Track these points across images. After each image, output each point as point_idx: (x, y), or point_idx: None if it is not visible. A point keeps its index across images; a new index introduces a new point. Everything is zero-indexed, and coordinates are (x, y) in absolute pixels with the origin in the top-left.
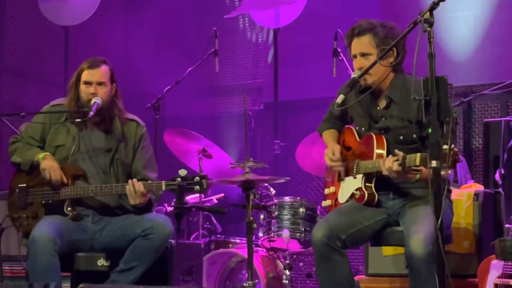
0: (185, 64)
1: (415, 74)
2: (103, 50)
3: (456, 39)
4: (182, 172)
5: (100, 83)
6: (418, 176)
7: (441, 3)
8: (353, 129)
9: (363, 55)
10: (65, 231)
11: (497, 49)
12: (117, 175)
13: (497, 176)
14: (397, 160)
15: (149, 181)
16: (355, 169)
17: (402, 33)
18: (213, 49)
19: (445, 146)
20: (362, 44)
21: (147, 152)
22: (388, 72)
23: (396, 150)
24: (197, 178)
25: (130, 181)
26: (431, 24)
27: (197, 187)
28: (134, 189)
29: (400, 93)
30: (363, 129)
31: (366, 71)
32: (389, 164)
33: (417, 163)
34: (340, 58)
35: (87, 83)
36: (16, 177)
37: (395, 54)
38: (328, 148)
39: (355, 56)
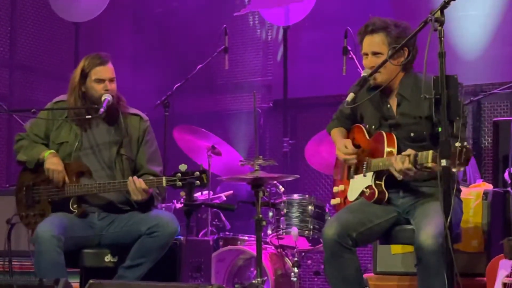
0: (194, 61)
1: (426, 73)
2: (113, 46)
3: (466, 38)
4: (183, 167)
5: (111, 79)
6: (426, 173)
7: (451, 2)
8: (363, 127)
9: (375, 53)
10: (70, 228)
11: (507, 48)
12: (123, 169)
13: (506, 175)
14: (408, 155)
15: (151, 177)
16: (365, 167)
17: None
18: (223, 47)
19: (457, 144)
20: (374, 42)
21: (151, 146)
22: (398, 71)
23: (409, 150)
24: (197, 173)
25: (130, 178)
26: (441, 23)
27: (198, 182)
28: (135, 185)
29: (411, 90)
30: (373, 127)
31: (376, 70)
32: (399, 165)
33: (429, 160)
34: (350, 56)
35: (100, 80)
36: (23, 175)
37: (406, 53)
38: (339, 143)
39: (366, 54)
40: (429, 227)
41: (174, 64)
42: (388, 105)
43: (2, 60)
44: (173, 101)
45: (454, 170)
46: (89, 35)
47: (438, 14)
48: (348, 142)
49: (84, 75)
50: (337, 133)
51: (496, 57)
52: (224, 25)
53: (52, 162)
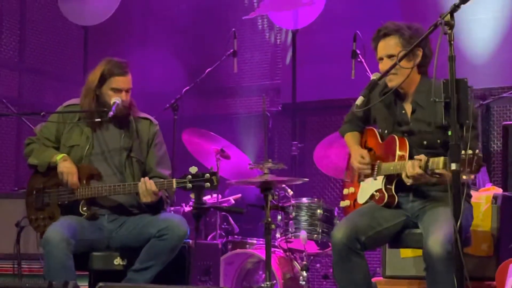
0: (203, 65)
1: (435, 76)
2: (122, 50)
3: (475, 42)
4: (193, 169)
5: (128, 90)
6: (435, 179)
7: (461, 6)
8: (376, 130)
9: (390, 56)
10: (80, 231)
11: None
12: (133, 173)
13: None
14: (420, 160)
15: (161, 180)
16: (376, 171)
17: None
18: (231, 50)
19: (469, 151)
20: (389, 45)
21: (160, 149)
22: (412, 74)
23: (421, 155)
24: (207, 175)
25: (142, 179)
26: (451, 27)
27: (208, 184)
28: (146, 187)
29: (427, 97)
30: (386, 131)
31: (385, 73)
32: (410, 169)
33: (441, 166)
34: (359, 59)
35: (117, 90)
36: (34, 178)
37: (420, 55)
38: (355, 152)
39: (381, 59)
40: (437, 233)
41: (183, 68)
42: (403, 111)
43: (12, 63)
44: (182, 104)
45: (464, 177)
46: (98, 38)
47: (448, 17)
48: (365, 153)
49: (102, 80)
50: (351, 139)
51: (506, 61)
52: (233, 29)
53: (66, 166)
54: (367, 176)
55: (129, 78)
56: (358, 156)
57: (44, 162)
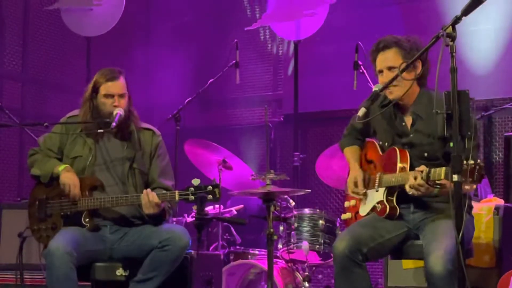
0: (206, 76)
1: (437, 88)
2: (124, 61)
3: (477, 53)
4: (195, 181)
5: (121, 95)
6: (436, 190)
7: (463, 17)
8: (376, 143)
9: (390, 68)
10: (82, 243)
11: None
12: (136, 184)
13: None
14: (421, 171)
15: (163, 191)
16: (377, 182)
17: (426, 45)
18: (234, 61)
19: (471, 161)
20: (388, 58)
21: (163, 160)
22: (413, 85)
23: (422, 166)
24: (210, 187)
25: (145, 191)
26: (453, 39)
27: (210, 196)
28: (148, 198)
29: (426, 109)
30: (386, 144)
31: (387, 84)
32: (412, 180)
33: (442, 177)
34: (361, 70)
35: (108, 96)
36: (36, 189)
37: (419, 66)
38: (351, 176)
39: (381, 72)
40: (438, 251)
41: (186, 78)
42: (403, 123)
43: (14, 74)
44: (184, 115)
45: (467, 187)
46: (101, 49)
47: (449, 29)
48: (360, 179)
49: (95, 90)
50: (350, 154)
51: (507, 72)
52: (236, 40)
53: (68, 177)
54: (368, 187)
55: (120, 84)
56: (352, 184)
57: (47, 173)
